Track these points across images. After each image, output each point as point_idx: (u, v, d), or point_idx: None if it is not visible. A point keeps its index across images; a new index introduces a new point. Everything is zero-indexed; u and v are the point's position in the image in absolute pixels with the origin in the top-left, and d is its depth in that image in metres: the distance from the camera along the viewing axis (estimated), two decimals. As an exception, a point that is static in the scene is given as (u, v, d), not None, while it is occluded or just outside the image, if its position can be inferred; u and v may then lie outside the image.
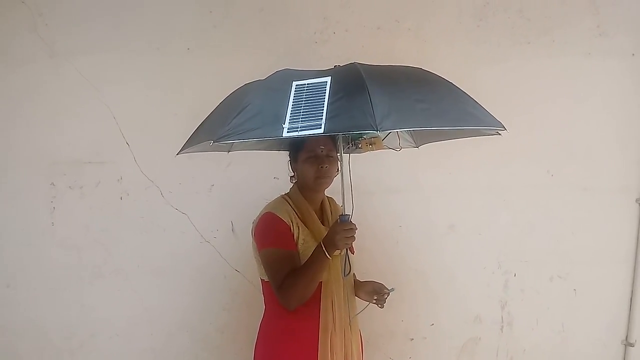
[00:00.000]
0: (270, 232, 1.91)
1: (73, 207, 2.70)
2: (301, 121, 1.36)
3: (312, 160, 1.91)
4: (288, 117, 1.39)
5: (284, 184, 2.15)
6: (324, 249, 1.76)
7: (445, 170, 2.88)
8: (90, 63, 2.63)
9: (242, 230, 2.75)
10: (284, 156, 2.12)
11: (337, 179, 1.91)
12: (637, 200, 3.00)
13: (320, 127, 1.34)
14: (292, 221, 1.91)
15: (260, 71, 1.85)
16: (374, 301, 2.01)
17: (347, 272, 1.90)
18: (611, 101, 2.92)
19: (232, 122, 1.44)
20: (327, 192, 2.06)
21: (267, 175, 2.70)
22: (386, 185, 2.84)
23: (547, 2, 2.83)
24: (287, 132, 1.36)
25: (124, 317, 2.79)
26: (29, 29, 2.59)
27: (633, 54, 2.90)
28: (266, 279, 1.95)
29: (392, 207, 2.87)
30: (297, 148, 1.96)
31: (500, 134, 1.81)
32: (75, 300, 2.75)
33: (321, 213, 2.06)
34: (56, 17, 2.61)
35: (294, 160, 2.00)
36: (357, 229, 1.76)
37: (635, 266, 3.03)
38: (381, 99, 1.41)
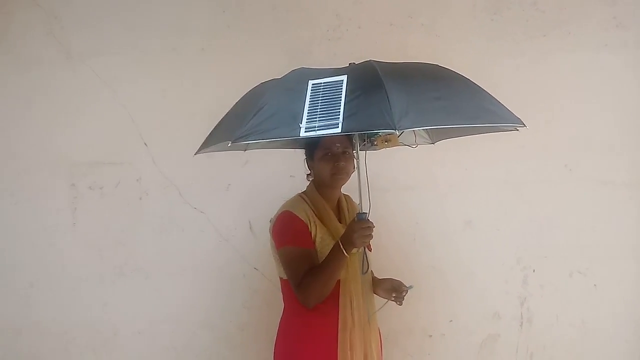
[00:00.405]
0: (288, 231, 1.92)
1: (94, 208, 2.73)
2: (318, 120, 1.36)
3: (328, 157, 1.92)
4: (305, 117, 1.39)
5: (300, 182, 2.16)
6: (341, 247, 1.76)
7: (461, 165, 2.86)
8: (106, 64, 2.67)
9: (260, 229, 2.76)
10: (300, 154, 2.12)
11: (353, 176, 1.91)
12: (658, 194, 2.95)
13: (338, 127, 1.34)
14: (309, 219, 1.92)
15: (274, 69, 1.86)
16: (393, 298, 2.00)
17: (365, 270, 1.90)
18: (629, 93, 2.87)
19: (250, 122, 1.44)
20: (344, 189, 2.07)
21: (283, 173, 2.71)
22: (402, 182, 2.83)
23: (561, -7, 2.81)
24: (305, 131, 1.36)
25: (145, 316, 2.81)
26: (45, 31, 2.63)
27: (651, 46, 2.86)
28: (285, 277, 1.96)
29: (408, 203, 2.86)
30: (313, 146, 1.96)
31: (518, 130, 1.80)
32: (97, 299, 2.78)
33: (338, 211, 2.07)
34: (72, 19, 2.65)
35: (309, 158, 2.01)
36: (374, 226, 1.77)
37: (656, 260, 2.99)
38: (399, 96, 1.41)
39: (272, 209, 2.06)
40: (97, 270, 2.77)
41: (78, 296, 2.77)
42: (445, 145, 2.32)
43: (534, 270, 2.98)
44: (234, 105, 1.89)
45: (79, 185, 2.72)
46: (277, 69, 1.83)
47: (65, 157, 2.70)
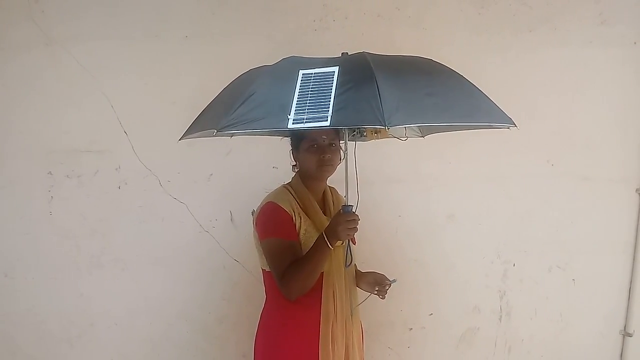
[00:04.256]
0: (271, 222, 1.90)
1: (71, 196, 2.67)
2: (307, 112, 1.34)
3: (314, 149, 1.89)
4: (294, 108, 1.36)
5: (283, 173, 2.14)
6: (325, 239, 1.75)
7: (446, 160, 2.87)
8: (88, 51, 2.59)
9: (241, 220, 2.74)
10: (283, 146, 2.10)
11: (340, 168, 1.89)
12: (637, 191, 3.00)
13: (327, 120, 1.32)
14: (294, 211, 1.90)
15: (259, 59, 1.83)
16: (375, 292, 2.01)
17: (348, 263, 1.90)
18: (612, 90, 2.91)
19: (237, 111, 1.42)
20: (331, 180, 2.05)
21: (266, 164, 2.69)
22: (386, 174, 2.83)
23: (549, -11, 2.81)
24: (293, 123, 1.33)
25: (122, 307, 2.78)
26: (25, 16, 2.55)
27: (635, 43, 2.89)
28: (267, 269, 1.94)
29: (392, 196, 2.86)
30: (299, 137, 1.93)
31: (509, 128, 1.79)
32: (73, 289, 2.73)
33: (323, 203, 2.05)
34: (52, 3, 2.56)
35: (295, 150, 1.98)
36: (359, 220, 1.76)
37: (634, 256, 3.04)
38: (390, 92, 1.39)
39: (254, 200, 2.04)
40: (73, 260, 2.71)
41: (54, 286, 2.72)
42: (431, 139, 2.32)
43: (514, 265, 3.02)
44: (221, 91, 1.85)
45: (55, 174, 2.65)
46: (262, 59, 1.80)
47: (42, 145, 2.63)
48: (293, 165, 2.03)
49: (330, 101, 1.35)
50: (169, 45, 2.64)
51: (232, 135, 2.22)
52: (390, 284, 1.98)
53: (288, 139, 2.06)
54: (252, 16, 2.66)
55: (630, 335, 3.09)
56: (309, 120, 1.32)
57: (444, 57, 1.82)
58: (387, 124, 1.30)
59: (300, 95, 1.40)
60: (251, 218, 2.02)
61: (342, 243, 1.89)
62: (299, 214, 1.91)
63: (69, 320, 2.76)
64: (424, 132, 2.29)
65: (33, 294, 2.72)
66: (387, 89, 1.39)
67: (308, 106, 1.35)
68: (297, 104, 1.37)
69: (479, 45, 2.80)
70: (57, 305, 2.74)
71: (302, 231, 1.90)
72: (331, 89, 1.39)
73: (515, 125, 1.64)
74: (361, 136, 1.99)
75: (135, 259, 2.75)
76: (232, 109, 1.43)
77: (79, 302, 2.75)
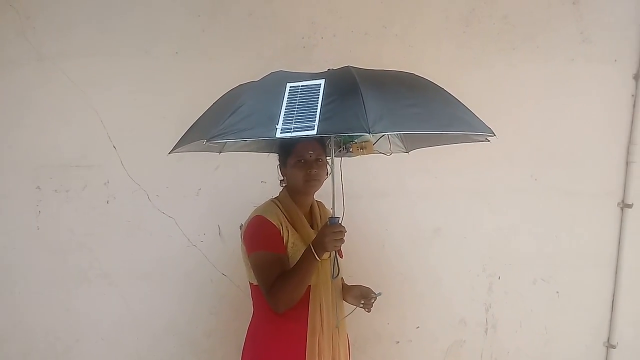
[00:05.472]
0: (259, 236, 1.91)
1: (59, 211, 2.66)
2: (294, 122, 1.37)
3: (301, 164, 1.92)
4: (281, 118, 1.40)
5: (271, 188, 2.16)
6: (313, 251, 1.77)
7: (432, 174, 2.91)
8: (78, 66, 2.61)
9: (229, 234, 2.75)
10: (271, 160, 2.13)
11: (327, 182, 1.92)
12: (618, 204, 3.06)
13: (313, 129, 1.35)
14: (281, 224, 1.92)
15: (248, 75, 1.86)
16: (361, 305, 2.02)
17: (335, 275, 1.92)
18: (594, 107, 2.98)
19: (226, 122, 1.45)
20: (318, 195, 2.07)
21: (254, 179, 2.71)
22: (373, 189, 2.86)
23: (531, 8, 2.88)
24: (280, 132, 1.37)
25: (109, 322, 2.76)
26: (17, 32, 2.56)
27: (615, 60, 2.96)
28: (255, 282, 1.95)
29: (379, 210, 2.89)
30: (286, 153, 1.96)
31: (489, 140, 1.84)
32: (60, 304, 2.71)
33: (310, 217, 2.07)
34: (44, 20, 2.58)
35: (283, 165, 2.01)
36: (346, 231, 1.78)
37: (617, 269, 3.09)
38: (374, 102, 1.43)
39: (242, 215, 2.05)
40: (60, 275, 2.70)
41: (40, 301, 2.70)
42: (417, 154, 2.35)
43: (499, 278, 3.05)
44: (211, 106, 1.88)
45: (44, 188, 2.65)
46: (251, 75, 1.83)
47: (31, 159, 2.63)
48: (281, 180, 2.05)
49: (316, 111, 1.39)
50: (159, 62, 2.66)
51: (220, 150, 2.24)
52: (376, 297, 2.00)
53: (276, 154, 2.08)
54: (241, 33, 2.70)
55: (613, 347, 3.12)
56: (297, 129, 1.36)
57: (430, 73, 1.86)
58: (371, 131, 1.34)
59: (288, 106, 1.44)
60: (239, 232, 2.03)
61: (329, 255, 1.91)
62: (286, 227, 1.93)
63: (55, 336, 2.74)
64: (407, 147, 2.33)
65: (19, 308, 2.70)
66: (371, 99, 1.43)
67: (295, 116, 1.39)
68: (284, 115, 1.41)
69: (463, 63, 2.86)
70: (43, 320, 2.72)
71: (289, 244, 1.91)
72: (317, 100, 1.43)
73: (495, 135, 1.67)
74: (347, 152, 2.02)
75: (122, 274, 2.74)
76: (222, 120, 1.46)
77: (65, 318, 2.73)
